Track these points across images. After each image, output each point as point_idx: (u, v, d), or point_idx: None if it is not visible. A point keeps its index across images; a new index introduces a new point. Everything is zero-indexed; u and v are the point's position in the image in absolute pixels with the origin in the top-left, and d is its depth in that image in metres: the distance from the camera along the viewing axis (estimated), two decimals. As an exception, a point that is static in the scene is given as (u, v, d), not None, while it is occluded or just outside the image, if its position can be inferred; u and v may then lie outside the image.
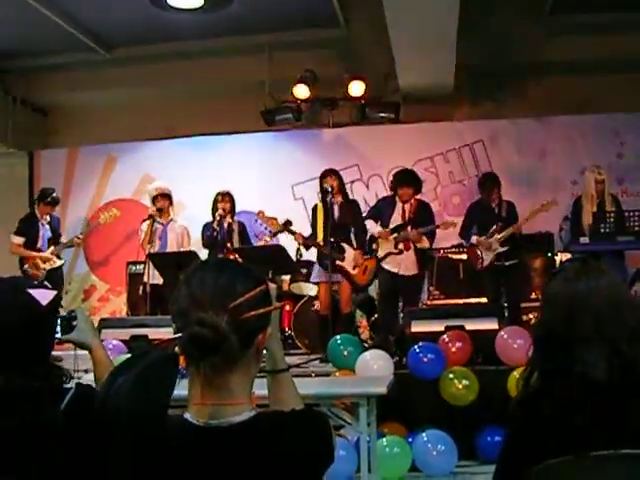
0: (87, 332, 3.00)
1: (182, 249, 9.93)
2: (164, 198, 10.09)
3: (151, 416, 1.76)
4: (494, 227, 9.36)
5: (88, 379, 2.99)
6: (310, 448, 1.92)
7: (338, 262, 8.97)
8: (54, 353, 2.39)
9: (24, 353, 2.19)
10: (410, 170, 9.83)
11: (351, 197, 10.01)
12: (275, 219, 9.49)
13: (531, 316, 9.19)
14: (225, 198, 9.80)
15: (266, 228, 9.94)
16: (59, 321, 2.99)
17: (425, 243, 9.28)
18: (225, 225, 9.71)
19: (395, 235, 9.16)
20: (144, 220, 9.98)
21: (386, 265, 9.20)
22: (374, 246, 9.34)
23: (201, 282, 1.92)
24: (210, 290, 1.89)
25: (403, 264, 9.16)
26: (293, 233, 9.37)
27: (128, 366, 1.76)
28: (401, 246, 9.15)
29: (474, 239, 9.49)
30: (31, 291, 2.28)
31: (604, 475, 2.19)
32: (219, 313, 1.83)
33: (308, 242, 9.47)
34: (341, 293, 9.22)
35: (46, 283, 9.55)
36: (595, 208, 9.01)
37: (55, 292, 2.36)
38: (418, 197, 9.50)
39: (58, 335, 2.99)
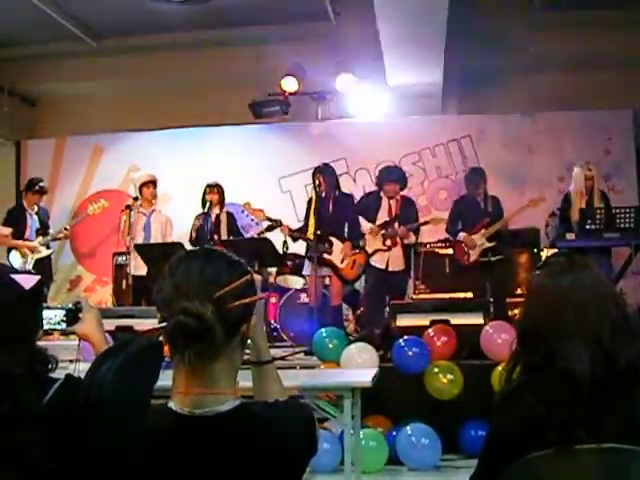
0: (91, 324, 3.00)
1: (166, 239, 9.95)
2: (152, 185, 10.12)
3: (135, 405, 1.76)
4: (483, 223, 9.37)
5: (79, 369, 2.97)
6: (293, 439, 1.92)
7: (326, 255, 8.96)
8: (43, 344, 2.37)
9: (4, 337, 2.18)
10: (396, 166, 9.82)
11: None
12: (262, 210, 9.44)
13: (516, 311, 9.15)
14: (214, 190, 9.82)
15: (253, 220, 9.93)
16: (64, 312, 3.00)
17: (412, 238, 9.35)
18: (213, 217, 9.72)
19: (383, 232, 9.19)
20: (122, 211, 9.97)
21: (373, 262, 9.24)
22: (362, 243, 9.33)
23: (186, 272, 1.92)
24: (195, 280, 1.89)
25: (390, 260, 9.22)
26: (280, 224, 9.33)
27: (111, 355, 1.75)
28: (389, 242, 9.20)
29: (461, 236, 9.49)
30: (14, 276, 2.27)
31: (586, 469, 2.20)
32: (204, 303, 1.83)
33: (295, 234, 9.44)
34: (332, 286, 9.23)
35: (31, 270, 9.55)
36: (584, 204, 9.01)
37: (38, 277, 2.35)
38: (404, 193, 9.53)
39: (63, 327, 3.00)
